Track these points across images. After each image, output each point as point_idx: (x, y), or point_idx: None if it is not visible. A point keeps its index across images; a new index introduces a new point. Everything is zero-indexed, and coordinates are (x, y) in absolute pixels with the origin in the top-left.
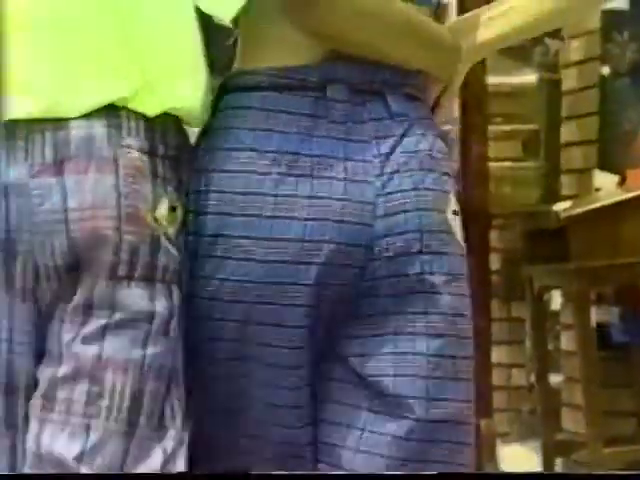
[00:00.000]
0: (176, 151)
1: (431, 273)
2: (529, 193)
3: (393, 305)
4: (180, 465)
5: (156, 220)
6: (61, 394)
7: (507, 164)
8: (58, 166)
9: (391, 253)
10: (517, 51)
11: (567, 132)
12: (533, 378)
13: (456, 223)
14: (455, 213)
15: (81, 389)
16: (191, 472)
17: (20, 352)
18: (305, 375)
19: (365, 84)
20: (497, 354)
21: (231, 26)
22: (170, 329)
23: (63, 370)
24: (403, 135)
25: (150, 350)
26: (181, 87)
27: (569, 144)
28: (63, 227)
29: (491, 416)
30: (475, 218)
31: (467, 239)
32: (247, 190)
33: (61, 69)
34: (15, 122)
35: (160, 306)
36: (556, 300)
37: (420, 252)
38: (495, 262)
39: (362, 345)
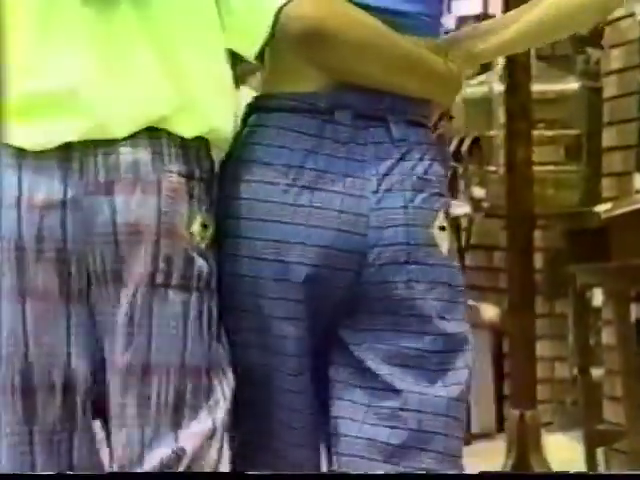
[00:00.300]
0: (208, 174)
1: (416, 281)
2: (571, 195)
3: (383, 307)
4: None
5: (191, 235)
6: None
7: (550, 168)
8: (109, 186)
9: (382, 261)
10: (560, 60)
11: (607, 137)
12: (575, 371)
13: (442, 237)
14: (442, 229)
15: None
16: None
17: (77, 353)
18: (306, 363)
19: (369, 110)
20: (541, 348)
21: (254, 62)
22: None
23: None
24: (400, 159)
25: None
26: (214, 109)
27: (609, 149)
28: (112, 239)
29: (535, 407)
30: (520, 219)
31: (512, 239)
32: (259, 198)
33: (107, 93)
34: (69, 145)
35: (194, 311)
36: (597, 297)
37: (407, 262)
38: (539, 261)
39: (359, 336)
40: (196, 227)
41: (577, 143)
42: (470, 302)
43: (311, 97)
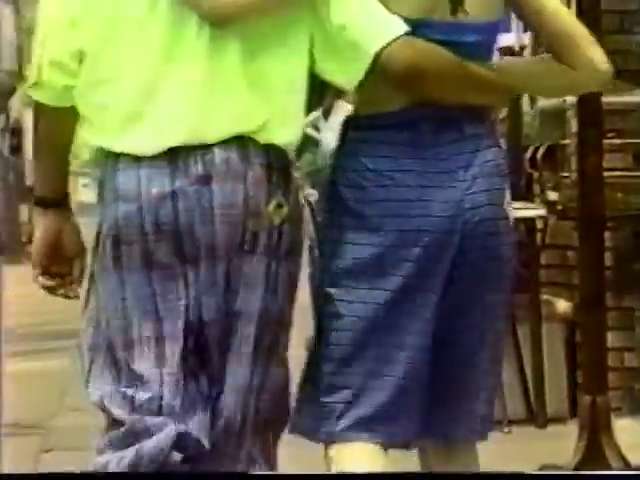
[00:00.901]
0: (284, 166)
1: (499, 250)
2: (638, 198)
3: (477, 269)
4: None
5: (268, 213)
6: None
7: (619, 173)
8: (207, 178)
9: (475, 234)
10: (629, 74)
11: None
12: None
13: (509, 211)
14: (509, 204)
15: None
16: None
17: (193, 305)
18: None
19: (445, 117)
20: (612, 339)
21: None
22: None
23: None
24: (476, 150)
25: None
26: (284, 128)
27: None
28: (211, 218)
29: (606, 393)
30: (591, 221)
31: (584, 239)
32: (380, 199)
33: (205, 109)
34: (175, 149)
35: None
36: None
37: (492, 234)
38: (608, 259)
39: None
40: (272, 207)
41: None
42: (545, 297)
43: (399, 114)
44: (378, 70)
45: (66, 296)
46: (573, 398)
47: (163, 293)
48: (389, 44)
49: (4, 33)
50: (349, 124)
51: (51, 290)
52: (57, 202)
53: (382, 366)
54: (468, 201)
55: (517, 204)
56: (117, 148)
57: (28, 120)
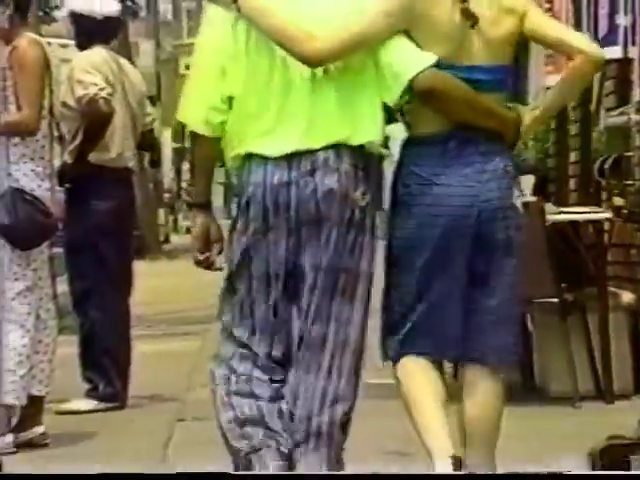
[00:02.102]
0: (365, 165)
1: (507, 229)
2: None
3: (487, 249)
4: None
5: (356, 198)
6: None
7: None
8: (313, 172)
9: (487, 218)
10: None
11: None
12: None
13: (518, 202)
14: (518, 197)
15: None
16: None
17: (298, 262)
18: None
19: (466, 139)
20: None
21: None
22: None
23: None
24: (489, 161)
25: None
26: (370, 132)
27: None
28: (315, 200)
29: None
30: None
31: None
32: (422, 192)
33: (310, 126)
34: (291, 153)
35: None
36: None
37: (502, 218)
38: None
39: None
40: (358, 194)
41: None
42: (612, 290)
43: (433, 136)
44: (414, 90)
45: (208, 267)
46: (637, 377)
47: (274, 251)
48: (421, 72)
49: (145, 64)
50: (404, 142)
51: (200, 263)
52: (206, 205)
53: (429, 306)
54: (482, 195)
55: (587, 208)
56: (255, 151)
57: (166, 137)
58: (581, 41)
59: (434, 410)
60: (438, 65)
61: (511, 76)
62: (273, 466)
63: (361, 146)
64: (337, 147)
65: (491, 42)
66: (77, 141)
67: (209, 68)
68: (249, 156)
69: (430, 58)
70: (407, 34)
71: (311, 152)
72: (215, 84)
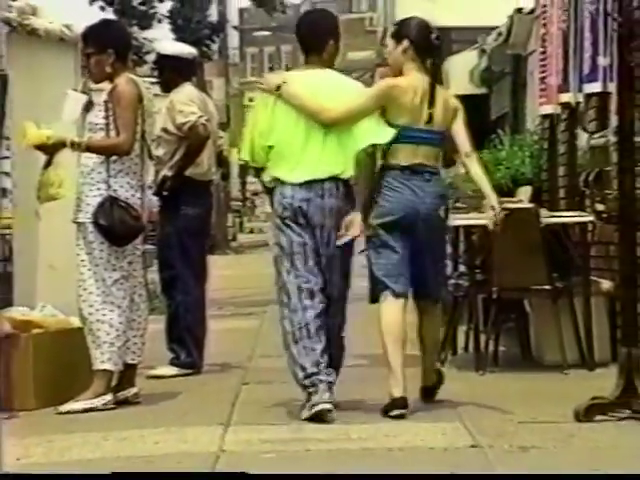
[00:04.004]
0: (349, 190)
1: (435, 222)
2: None
3: (426, 230)
4: None
5: (346, 211)
6: None
7: None
8: (323, 194)
9: (425, 217)
10: None
11: None
12: None
13: (442, 211)
14: (443, 211)
15: None
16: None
17: (312, 246)
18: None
19: (418, 170)
20: None
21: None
22: None
23: None
24: (427, 184)
25: None
26: (351, 169)
27: None
28: (324, 213)
29: (637, 346)
30: (628, 224)
31: (622, 238)
32: (398, 200)
33: (319, 164)
34: (307, 180)
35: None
36: None
37: (433, 218)
38: None
39: (417, 241)
40: (347, 208)
41: None
42: (594, 278)
43: (401, 167)
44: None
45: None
46: (613, 349)
47: (300, 240)
48: (372, 143)
49: (217, 98)
50: (382, 168)
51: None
52: None
53: (392, 263)
54: (423, 205)
55: (574, 213)
56: (283, 178)
57: (234, 155)
58: (464, 144)
59: (396, 349)
60: (404, 127)
61: (445, 138)
62: None
63: (348, 178)
64: (335, 179)
65: (437, 118)
66: (175, 159)
67: (259, 127)
68: (282, 181)
69: (386, 135)
70: (385, 108)
71: (320, 181)
72: (262, 136)
